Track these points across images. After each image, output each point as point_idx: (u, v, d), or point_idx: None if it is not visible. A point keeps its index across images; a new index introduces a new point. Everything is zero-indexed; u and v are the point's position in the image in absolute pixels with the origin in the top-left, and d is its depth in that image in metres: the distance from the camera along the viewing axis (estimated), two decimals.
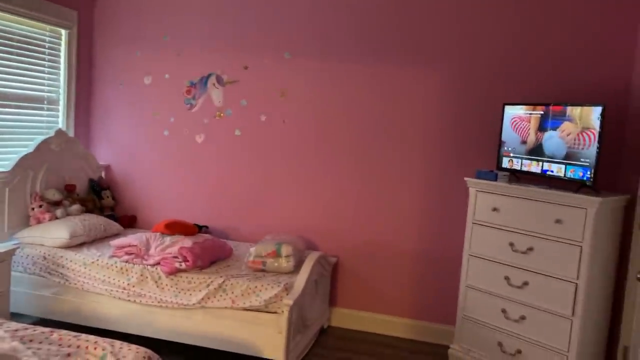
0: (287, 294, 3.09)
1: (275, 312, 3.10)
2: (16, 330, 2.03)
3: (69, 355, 1.89)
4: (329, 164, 3.99)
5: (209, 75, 4.19)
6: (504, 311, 3.16)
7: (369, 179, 3.92)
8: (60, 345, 1.96)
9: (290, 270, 3.38)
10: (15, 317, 3.31)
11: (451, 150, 3.74)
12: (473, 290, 3.34)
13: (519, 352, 3.09)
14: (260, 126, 4.12)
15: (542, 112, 3.15)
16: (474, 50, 3.65)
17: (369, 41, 3.85)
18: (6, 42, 3.62)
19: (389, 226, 3.89)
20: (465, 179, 3.38)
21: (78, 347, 1.95)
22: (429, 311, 3.85)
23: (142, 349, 1.98)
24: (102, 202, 4.23)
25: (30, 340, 1.96)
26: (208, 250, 3.45)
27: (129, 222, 4.29)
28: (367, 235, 3.94)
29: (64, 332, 2.06)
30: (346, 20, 3.89)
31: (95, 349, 1.94)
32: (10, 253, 3.20)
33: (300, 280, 3.21)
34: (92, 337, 2.02)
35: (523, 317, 3.07)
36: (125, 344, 1.99)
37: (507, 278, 3.15)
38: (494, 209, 3.22)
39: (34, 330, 2.05)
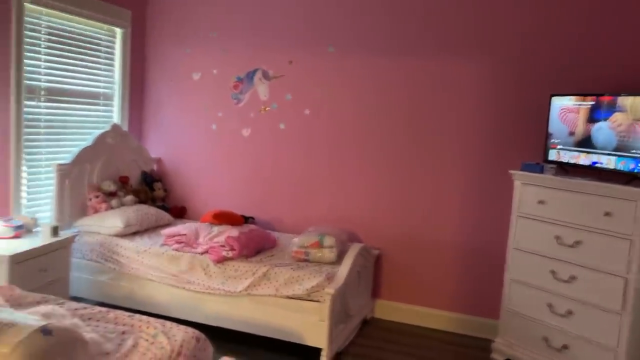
0: (330, 284, 3.15)
1: (317, 301, 3.17)
2: (76, 309, 2.18)
3: (123, 333, 2.01)
4: (371, 156, 4.02)
5: (255, 70, 4.29)
6: (549, 305, 3.11)
7: (411, 171, 3.92)
8: (116, 323, 2.10)
9: (333, 260, 3.44)
10: (75, 300, 3.50)
11: (494, 142, 3.70)
12: (518, 283, 3.30)
13: (566, 347, 3.03)
14: (304, 120, 4.19)
15: (592, 103, 3.08)
16: (518, 40, 3.59)
17: (411, 34, 3.84)
18: (67, 41, 3.83)
19: (432, 218, 3.89)
20: (510, 171, 3.33)
21: (132, 325, 2.07)
22: (471, 304, 3.82)
23: (191, 330, 2.09)
24: (154, 194, 4.41)
25: (89, 319, 2.11)
26: (253, 239, 3.55)
27: (179, 212, 4.46)
28: (410, 227, 3.95)
29: (119, 312, 2.19)
30: (389, 13, 3.89)
31: (147, 327, 2.06)
32: (71, 240, 3.42)
33: (343, 270, 3.26)
34: (144, 317, 2.14)
35: (570, 312, 3.01)
36: (175, 325, 2.10)
37: (553, 272, 3.09)
38: (540, 202, 3.17)
39: (92, 310, 2.19)
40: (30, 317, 1.70)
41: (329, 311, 3.09)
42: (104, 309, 2.21)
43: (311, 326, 3.16)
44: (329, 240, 3.46)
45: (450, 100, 3.78)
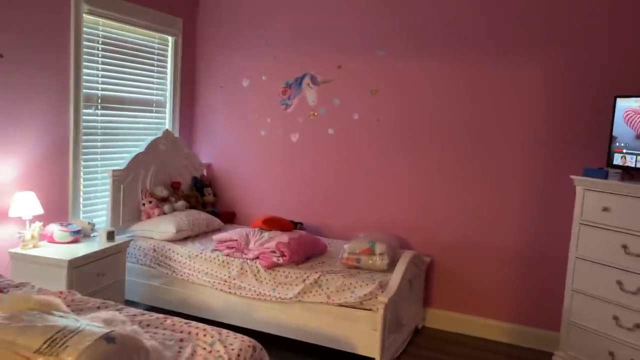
0: (382, 292, 3.09)
1: (370, 310, 3.11)
2: (134, 315, 2.20)
3: (181, 340, 2.02)
4: (421, 161, 3.94)
5: (304, 76, 4.28)
6: (615, 318, 2.94)
7: (463, 176, 3.82)
8: (173, 330, 2.10)
9: (384, 268, 3.37)
10: (129, 304, 3.57)
11: (554, 146, 3.55)
12: (580, 294, 3.14)
13: None
14: (352, 124, 4.15)
15: None
16: (580, 40, 3.43)
17: (464, 35, 3.74)
18: (121, 50, 3.93)
19: (486, 225, 3.76)
20: (572, 177, 3.18)
21: (189, 333, 2.07)
22: (529, 315, 3.67)
23: (247, 339, 2.07)
24: (204, 199, 4.46)
25: (148, 325, 2.12)
26: (303, 246, 3.53)
27: (229, 217, 4.50)
28: (463, 234, 3.84)
29: (176, 318, 2.20)
30: (439, 14, 3.81)
31: (204, 335, 2.05)
32: (126, 245, 3.49)
33: (395, 278, 3.19)
34: (201, 325, 2.14)
35: (638, 326, 2.84)
36: (232, 333, 2.09)
37: (619, 283, 2.93)
38: (605, 209, 3.01)
39: (150, 316, 2.21)
40: (94, 324, 1.72)
41: (381, 320, 3.03)
42: (161, 315, 2.22)
43: (363, 335, 3.11)
44: (380, 247, 3.40)
45: (508, 102, 3.66)
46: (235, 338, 2.06)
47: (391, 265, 3.38)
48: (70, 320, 1.68)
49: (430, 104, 3.89)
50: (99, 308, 2.27)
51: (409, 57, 3.92)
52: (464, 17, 3.74)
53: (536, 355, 3.55)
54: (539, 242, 3.62)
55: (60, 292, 2.37)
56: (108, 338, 1.62)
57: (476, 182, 3.78)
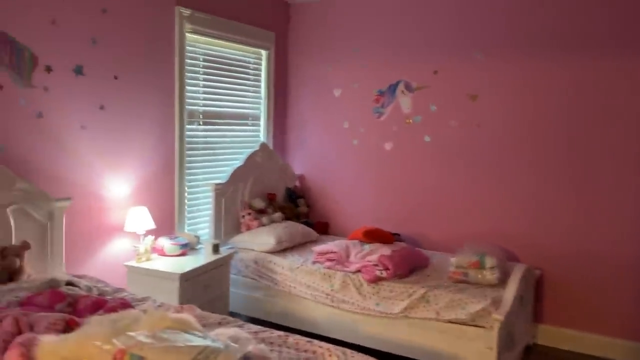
0: (496, 309, 2.92)
1: (482, 327, 2.95)
2: (256, 332, 2.20)
3: None
4: (525, 167, 3.73)
5: (398, 83, 4.19)
6: None
7: (573, 181, 3.57)
8: (297, 349, 2.07)
9: (495, 282, 3.20)
10: (231, 315, 3.62)
11: None
12: None
13: None
14: (450, 131, 4.00)
15: None
16: None
17: (571, 34, 3.51)
18: (220, 66, 4.02)
19: (605, 235, 3.49)
20: None
21: (314, 352, 2.04)
22: None
23: (372, 359, 2.01)
24: (298, 210, 4.47)
25: (271, 343, 2.11)
26: (407, 259, 3.43)
27: (322, 228, 4.48)
28: (577, 245, 3.58)
29: (297, 336, 2.17)
30: (543, 12, 3.59)
31: (330, 355, 2.01)
32: (230, 257, 3.54)
33: (509, 294, 3.01)
34: (324, 344, 2.10)
35: None
36: (356, 353, 2.03)
37: None
38: None
39: (271, 333, 2.19)
40: (230, 344, 1.71)
41: (497, 338, 2.86)
42: (282, 332, 2.21)
43: (476, 354, 2.95)
44: (490, 261, 3.23)
45: (625, 105, 3.39)
46: (362, 358, 2.00)
47: (502, 280, 3.20)
48: (208, 340, 1.68)
49: (534, 107, 3.67)
50: (220, 324, 2.28)
51: (510, 59, 3.73)
52: (575, 12, 3.50)
53: None
54: None
55: (181, 307, 2.41)
56: (246, 359, 1.61)
57: (587, 188, 3.52)
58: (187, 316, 1.84)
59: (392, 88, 4.22)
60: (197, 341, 1.66)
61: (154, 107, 3.46)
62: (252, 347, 1.80)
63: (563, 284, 3.64)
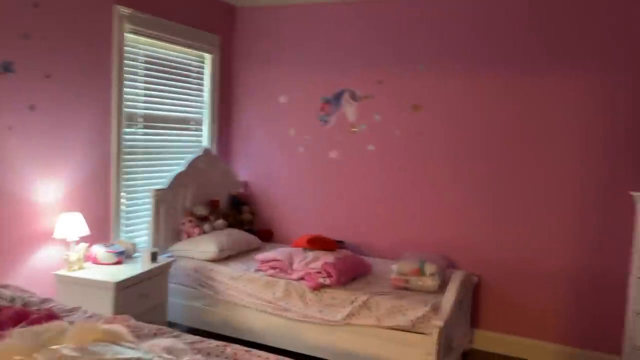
0: (436, 315, 2.97)
1: (422, 333, 2.99)
2: (193, 343, 2.12)
3: None
4: (467, 177, 3.83)
5: (343, 92, 4.22)
6: None
7: (512, 192, 3.70)
8: (235, 359, 2.02)
9: (435, 289, 3.25)
10: (170, 326, 3.49)
11: (609, 161, 3.42)
12: None
13: None
14: (394, 141, 4.06)
15: None
16: (638, 48, 3.32)
17: (510, 47, 3.66)
18: (161, 68, 3.91)
19: (538, 243, 3.63)
20: (632, 193, 3.05)
21: None
22: (586, 337, 3.52)
23: None
24: (241, 217, 4.39)
25: (208, 354, 2.04)
26: (350, 266, 3.44)
27: (266, 236, 4.42)
28: (513, 252, 3.71)
29: (236, 346, 2.11)
30: (482, 25, 3.73)
31: None
32: (168, 266, 3.42)
33: (448, 300, 3.07)
34: (263, 354, 2.05)
35: None
36: None
37: None
38: None
39: (209, 344, 2.13)
40: (162, 356, 1.64)
41: (436, 344, 2.91)
42: (220, 342, 2.14)
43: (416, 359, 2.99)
44: (430, 268, 3.28)
45: (560, 116, 3.55)
46: None
47: (441, 286, 3.26)
48: (139, 352, 1.61)
49: (474, 118, 3.79)
50: (155, 335, 2.19)
51: (452, 72, 3.84)
52: (509, 29, 3.65)
53: None
54: (595, 260, 3.48)
55: (115, 317, 2.30)
56: None
57: (527, 200, 3.66)
58: (118, 327, 1.75)
59: (338, 96, 4.25)
60: (128, 353, 1.58)
61: (90, 108, 3.31)
62: (187, 359, 1.73)
63: (500, 290, 3.76)
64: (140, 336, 2.14)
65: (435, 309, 3.01)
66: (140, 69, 3.71)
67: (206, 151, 4.16)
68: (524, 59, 3.62)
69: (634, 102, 3.35)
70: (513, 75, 3.65)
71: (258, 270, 3.53)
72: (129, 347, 1.64)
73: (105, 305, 2.89)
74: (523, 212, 3.67)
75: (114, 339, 1.66)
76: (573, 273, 3.54)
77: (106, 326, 1.75)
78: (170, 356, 1.69)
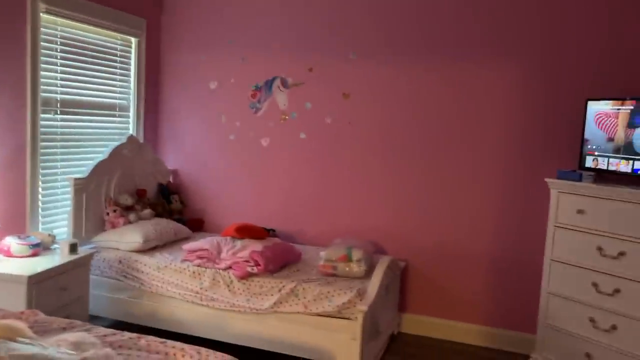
0: (361, 300, 3.02)
1: (348, 318, 3.04)
2: (105, 336, 2.06)
3: None
4: (395, 165, 3.90)
5: (274, 79, 4.18)
6: (592, 320, 2.97)
7: (438, 180, 3.80)
8: (148, 351, 1.97)
9: (362, 275, 3.30)
10: (93, 319, 3.38)
11: (529, 149, 3.57)
12: (556, 297, 3.16)
13: None
14: (325, 129, 4.07)
15: (632, 107, 2.95)
16: (549, 42, 3.47)
17: (438, 37, 3.73)
18: (82, 51, 3.72)
19: (461, 228, 3.75)
20: (546, 179, 3.20)
21: (166, 354, 1.94)
22: (505, 318, 3.68)
23: (229, 357, 1.96)
24: (171, 207, 4.29)
25: (120, 346, 1.98)
26: (278, 254, 3.43)
27: (197, 225, 4.34)
28: (437, 238, 3.82)
29: (150, 338, 2.07)
30: (413, 15, 3.78)
31: (183, 356, 1.93)
32: (90, 257, 3.30)
33: (373, 285, 3.13)
34: (178, 344, 2.02)
35: (614, 327, 2.87)
36: (211, 352, 1.98)
37: (595, 285, 2.96)
38: (579, 211, 3.04)
39: (122, 336, 2.07)
40: (63, 351, 1.57)
41: (361, 329, 2.96)
42: (134, 335, 2.08)
43: (342, 345, 3.03)
44: (357, 254, 3.33)
45: (483, 105, 3.66)
46: (216, 357, 1.95)
47: (368, 272, 3.31)
48: (37, 348, 1.53)
49: (404, 107, 3.85)
50: (64, 329, 2.11)
51: (382, 60, 3.87)
52: (438, 19, 3.72)
53: (512, 358, 3.56)
54: (515, 245, 3.63)
55: (22, 312, 2.19)
56: None
57: (451, 187, 3.77)
58: (15, 323, 1.66)
59: (269, 84, 4.20)
60: (24, 349, 1.50)
61: (1, 93, 3.11)
62: (91, 352, 1.67)
63: (426, 275, 3.87)
64: (48, 331, 2.06)
65: (361, 294, 3.06)
66: (58, 52, 3.52)
67: (131, 138, 4.01)
68: (451, 49, 3.70)
69: (545, 93, 3.49)
70: (442, 66, 3.73)
71: (185, 260, 3.46)
72: (28, 343, 1.56)
73: (18, 300, 2.75)
74: (449, 199, 3.78)
75: (10, 335, 1.58)
76: (494, 257, 3.69)
77: (1, 321, 1.66)
78: (72, 351, 1.62)
